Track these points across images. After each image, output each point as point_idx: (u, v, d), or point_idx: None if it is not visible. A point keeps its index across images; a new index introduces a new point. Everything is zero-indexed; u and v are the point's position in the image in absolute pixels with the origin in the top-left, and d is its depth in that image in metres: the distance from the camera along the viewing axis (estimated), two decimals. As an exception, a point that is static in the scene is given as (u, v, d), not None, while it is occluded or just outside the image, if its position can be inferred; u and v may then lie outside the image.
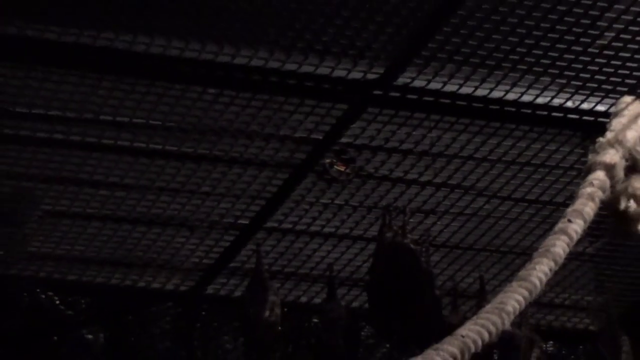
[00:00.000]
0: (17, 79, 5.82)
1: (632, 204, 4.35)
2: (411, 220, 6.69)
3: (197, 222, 6.73)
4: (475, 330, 3.19)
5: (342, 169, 6.58)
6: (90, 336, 6.93)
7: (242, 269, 6.94)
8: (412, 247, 6.48)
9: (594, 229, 6.85)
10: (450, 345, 3.05)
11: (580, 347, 7.75)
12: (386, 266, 6.53)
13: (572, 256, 6.81)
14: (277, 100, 5.96)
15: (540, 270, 3.63)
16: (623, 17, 5.62)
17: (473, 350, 3.20)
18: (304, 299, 7.25)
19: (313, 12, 5.40)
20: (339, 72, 5.75)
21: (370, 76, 5.79)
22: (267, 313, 6.64)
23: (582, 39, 5.67)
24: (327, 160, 6.52)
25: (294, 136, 6.28)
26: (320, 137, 6.27)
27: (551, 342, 7.62)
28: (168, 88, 5.86)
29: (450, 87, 5.87)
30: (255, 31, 5.53)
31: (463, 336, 3.14)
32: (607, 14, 5.58)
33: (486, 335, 3.25)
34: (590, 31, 5.64)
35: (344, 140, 6.35)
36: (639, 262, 7.28)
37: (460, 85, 5.86)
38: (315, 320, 7.04)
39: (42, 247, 6.77)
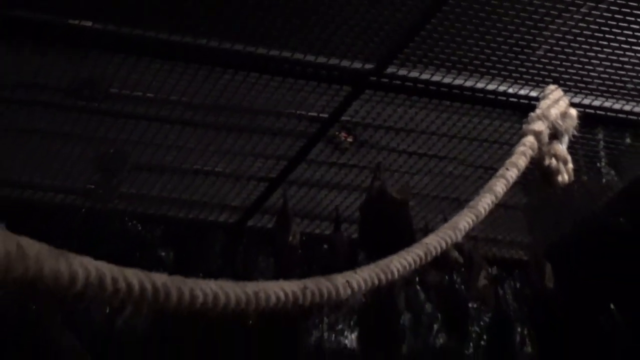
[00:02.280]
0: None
1: (553, 161, 4.38)
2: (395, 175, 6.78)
3: (242, 174, 6.76)
4: (436, 240, 3.19)
5: (345, 138, 6.61)
6: (163, 254, 6.91)
7: (273, 208, 6.92)
8: (393, 195, 6.53)
9: (525, 184, 6.92)
10: (417, 249, 3.06)
11: (516, 271, 7.70)
12: (374, 207, 6.57)
13: (510, 205, 6.87)
14: (299, 84, 5.94)
15: (484, 202, 3.64)
16: (550, 27, 5.64)
17: (434, 254, 3.20)
18: (317, 231, 7.23)
19: (326, 14, 5.39)
20: (345, 63, 5.71)
21: (367, 66, 5.77)
22: (290, 239, 6.68)
23: (520, 42, 5.67)
24: (335, 132, 6.56)
25: (310, 112, 6.31)
26: (329, 114, 6.29)
27: (495, 267, 7.56)
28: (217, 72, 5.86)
29: (425, 76, 5.84)
30: (285, 30, 5.49)
31: (427, 243, 3.14)
32: (540, 25, 5.59)
33: (443, 244, 3.25)
34: (527, 37, 5.64)
35: (346, 116, 6.36)
36: (558, 211, 7.26)
37: (432, 74, 5.83)
38: (325, 246, 7.03)
39: (130, 190, 6.76)
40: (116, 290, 1.72)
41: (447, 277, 7.25)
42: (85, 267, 1.65)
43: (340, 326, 7.27)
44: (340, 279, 2.53)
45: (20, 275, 1.51)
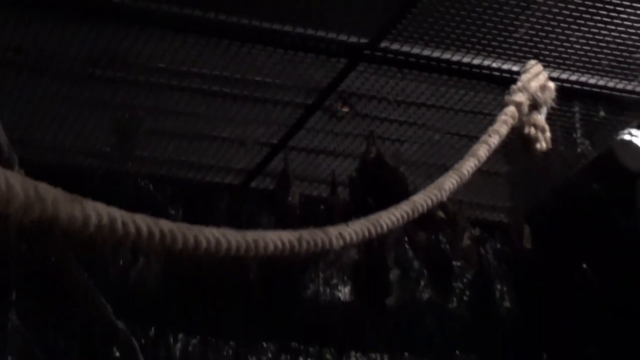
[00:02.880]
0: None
1: (532, 130, 4.40)
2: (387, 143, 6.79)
3: (246, 140, 6.77)
4: (423, 198, 3.20)
5: (341, 107, 6.61)
6: (172, 212, 6.92)
7: (274, 171, 6.93)
8: (384, 159, 6.56)
9: (507, 153, 6.93)
10: (405, 206, 3.06)
11: (497, 233, 7.70)
12: (369, 172, 6.59)
13: (492, 171, 6.86)
14: (299, 56, 5.93)
15: (468, 165, 3.65)
16: (532, 6, 5.63)
17: (420, 210, 3.20)
18: (315, 193, 7.23)
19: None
20: (342, 37, 5.70)
21: (362, 40, 5.75)
22: (290, 199, 6.70)
23: (504, 21, 5.67)
24: (332, 102, 6.57)
25: (309, 83, 6.29)
26: (326, 85, 6.27)
27: (477, 228, 7.57)
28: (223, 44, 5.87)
29: (416, 50, 5.84)
30: (287, 4, 5.49)
31: (414, 201, 3.14)
32: (522, 4, 5.59)
33: (429, 202, 3.25)
34: (510, 15, 5.64)
35: (342, 87, 6.35)
36: (537, 177, 7.26)
37: (423, 49, 5.82)
38: (322, 207, 7.04)
39: (143, 153, 6.77)
40: (126, 233, 1.73)
41: (433, 237, 7.26)
42: (98, 211, 1.66)
43: (334, 281, 7.28)
44: (333, 230, 2.54)
45: (38, 217, 1.52)
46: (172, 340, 6.74)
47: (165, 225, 1.84)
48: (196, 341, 6.80)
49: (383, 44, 5.76)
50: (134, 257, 6.79)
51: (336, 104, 6.57)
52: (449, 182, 3.57)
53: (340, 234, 2.54)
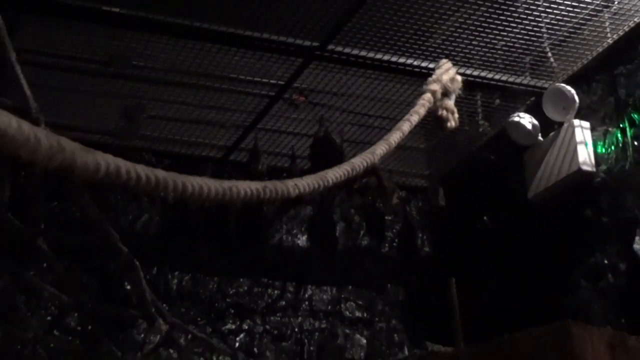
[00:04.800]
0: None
1: (444, 112, 4.43)
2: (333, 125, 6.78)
3: (225, 123, 6.75)
4: (359, 160, 3.19)
5: (299, 98, 6.59)
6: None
7: (247, 147, 6.90)
8: (331, 137, 6.56)
9: (425, 133, 6.94)
10: (345, 166, 3.05)
11: (418, 194, 7.72)
12: (319, 146, 6.59)
13: (414, 147, 6.85)
14: (265, 56, 5.89)
15: (394, 136, 3.65)
16: (444, 17, 5.64)
17: (358, 170, 3.21)
18: (279, 164, 7.21)
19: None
20: (298, 41, 5.67)
21: (314, 43, 5.72)
22: (259, 168, 6.69)
23: (424, 27, 5.67)
24: (292, 94, 6.55)
25: (272, 79, 6.27)
26: (285, 80, 6.24)
27: (404, 191, 7.58)
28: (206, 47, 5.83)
29: (356, 51, 5.82)
30: (255, 12, 5.43)
31: (352, 162, 3.13)
32: (437, 15, 5.59)
33: (364, 163, 3.25)
34: (428, 24, 5.64)
35: (298, 82, 6.32)
36: (448, 150, 7.28)
37: (360, 50, 5.82)
38: (284, 174, 7.01)
39: (146, 132, 6.73)
40: (129, 178, 1.72)
41: (370, 198, 7.28)
42: (107, 160, 1.65)
43: (295, 231, 7.27)
44: (290, 182, 2.54)
45: (59, 163, 1.50)
46: (169, 277, 6.71)
47: (160, 173, 1.84)
48: (188, 277, 6.77)
49: (330, 47, 5.73)
50: (139, 211, 6.77)
51: (294, 95, 6.55)
52: (379, 149, 3.58)
53: (296, 184, 2.54)
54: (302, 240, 7.26)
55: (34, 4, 5.17)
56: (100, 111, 6.42)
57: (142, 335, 6.14)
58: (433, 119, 4.47)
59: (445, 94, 4.45)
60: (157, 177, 1.79)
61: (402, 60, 5.94)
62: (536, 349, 3.44)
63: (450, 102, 4.46)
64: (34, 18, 5.41)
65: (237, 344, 6.76)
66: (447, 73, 4.50)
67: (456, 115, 4.50)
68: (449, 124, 4.48)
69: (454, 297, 5.38)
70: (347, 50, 5.77)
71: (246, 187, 2.22)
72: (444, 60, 4.61)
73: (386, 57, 5.92)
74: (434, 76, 4.42)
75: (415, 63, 5.95)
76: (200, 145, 6.98)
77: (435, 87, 4.38)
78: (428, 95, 4.33)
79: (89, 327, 5.74)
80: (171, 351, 6.14)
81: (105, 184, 1.65)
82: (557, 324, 3.44)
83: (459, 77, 4.51)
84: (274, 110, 6.60)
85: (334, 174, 2.85)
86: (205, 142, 6.96)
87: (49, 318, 6.02)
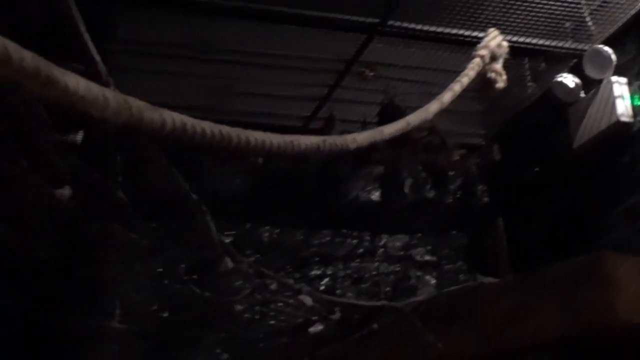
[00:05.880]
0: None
1: (493, 74, 4.25)
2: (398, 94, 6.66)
3: (303, 96, 6.66)
4: (413, 117, 3.08)
5: (367, 71, 6.49)
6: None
7: (324, 116, 6.84)
8: (395, 104, 6.44)
9: (479, 97, 6.79)
10: (401, 122, 2.95)
11: (475, 150, 7.58)
12: (385, 113, 6.47)
13: (472, 110, 6.71)
14: (335, 33, 5.80)
15: (446, 96, 3.52)
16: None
17: (412, 125, 3.10)
18: (352, 130, 7.12)
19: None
20: (362, 18, 5.58)
21: (375, 19, 5.63)
22: (332, 133, 6.62)
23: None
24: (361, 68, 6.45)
25: (342, 54, 6.16)
26: (353, 54, 6.10)
27: (463, 149, 7.47)
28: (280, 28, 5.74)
29: (416, 25, 5.73)
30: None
31: (407, 118, 3.03)
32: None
33: (418, 119, 3.15)
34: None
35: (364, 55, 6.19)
36: (500, 111, 7.15)
37: (418, 23, 5.70)
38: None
39: (232, 107, 6.69)
40: (194, 133, 1.65)
41: (434, 156, 7.19)
42: (172, 116, 1.58)
43: (369, 188, 7.21)
44: (349, 136, 2.45)
45: (127, 119, 1.44)
46: (260, 231, 6.72)
47: (224, 128, 1.76)
48: (277, 231, 6.77)
49: (390, 22, 5.60)
50: (231, 176, 6.74)
51: (364, 69, 6.44)
52: (432, 107, 3.46)
53: (354, 138, 2.45)
54: (375, 195, 7.19)
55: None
56: (192, 91, 6.39)
57: (235, 281, 6.14)
58: (483, 81, 4.34)
59: (494, 58, 4.31)
60: (220, 132, 1.71)
61: (455, 31, 5.80)
62: (573, 276, 3.33)
63: (498, 66, 4.32)
64: (133, 11, 5.40)
65: (322, 287, 6.75)
66: (494, 40, 4.35)
67: (504, 77, 4.36)
68: (497, 85, 4.35)
69: (502, 237, 5.29)
70: (405, 24, 5.64)
71: (307, 140, 2.14)
72: (491, 29, 4.46)
73: (440, 29, 5.78)
74: (482, 43, 4.29)
75: (467, 33, 5.79)
76: (284, 116, 6.91)
77: (483, 52, 4.24)
78: (477, 60, 4.19)
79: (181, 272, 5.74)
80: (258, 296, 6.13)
81: (172, 139, 1.58)
82: (593, 254, 3.32)
83: (505, 43, 4.37)
84: (344, 82, 6.47)
85: (389, 129, 2.75)
86: (287, 113, 6.90)
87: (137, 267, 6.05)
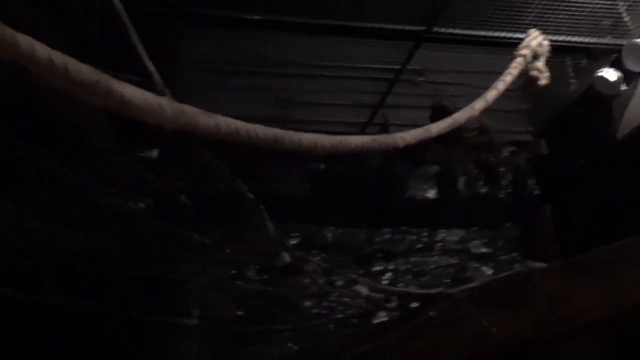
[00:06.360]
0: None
1: (535, 72, 4.18)
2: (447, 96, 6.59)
3: (359, 103, 6.63)
4: (459, 115, 3.04)
5: (419, 78, 6.45)
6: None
7: (377, 123, 6.77)
8: (445, 106, 6.36)
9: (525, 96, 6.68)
10: (448, 120, 2.91)
11: (524, 145, 7.48)
12: (436, 115, 6.39)
13: (519, 108, 6.61)
14: (380, 43, 5.77)
15: (490, 94, 3.47)
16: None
17: (459, 122, 3.06)
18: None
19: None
20: (409, 27, 5.53)
21: (421, 27, 5.58)
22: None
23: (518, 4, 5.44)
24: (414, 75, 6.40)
25: (391, 62, 6.11)
26: (402, 61, 6.05)
27: (513, 145, 7.38)
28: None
29: (458, 30, 5.66)
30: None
31: (453, 116, 2.99)
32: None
33: (464, 117, 3.10)
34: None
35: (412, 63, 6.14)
36: (545, 108, 7.03)
37: (462, 29, 5.65)
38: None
39: (294, 117, 6.67)
40: (248, 136, 1.64)
41: (484, 154, 7.11)
42: (226, 121, 1.58)
43: (425, 187, 7.15)
44: (397, 135, 2.42)
45: (182, 125, 1.44)
46: (324, 231, 6.71)
47: (276, 131, 1.75)
48: (340, 231, 6.76)
49: (435, 29, 5.54)
50: (296, 181, 6.74)
51: (415, 76, 6.40)
52: (477, 104, 3.41)
53: (402, 136, 2.42)
54: (431, 193, 7.13)
55: (195, 18, 5.20)
56: (256, 103, 6.42)
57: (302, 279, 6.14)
58: (526, 79, 4.27)
59: (535, 57, 4.24)
60: (274, 134, 1.70)
61: (497, 34, 5.71)
62: (617, 258, 3.24)
63: (540, 64, 4.26)
64: (196, 31, 5.45)
65: (384, 282, 6.71)
66: (535, 40, 4.28)
67: (546, 74, 4.29)
68: (540, 82, 4.27)
69: (552, 226, 5.20)
70: (450, 30, 5.58)
71: (356, 140, 2.12)
72: (532, 30, 4.39)
73: (483, 33, 5.70)
74: (523, 43, 4.22)
75: (509, 35, 5.70)
76: (341, 123, 6.89)
77: (525, 51, 4.18)
78: (519, 59, 4.13)
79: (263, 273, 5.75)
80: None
81: (227, 142, 1.57)
82: (636, 236, 3.24)
83: (545, 42, 4.29)
84: (395, 88, 6.41)
85: (437, 127, 2.72)
86: (344, 120, 6.87)
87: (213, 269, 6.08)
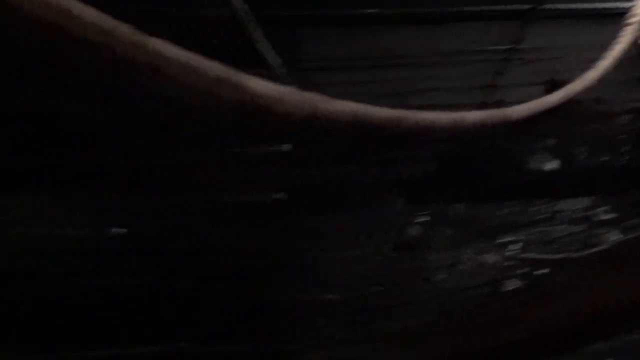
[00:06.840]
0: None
1: (645, 39, 4.00)
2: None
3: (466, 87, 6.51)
4: (572, 86, 2.94)
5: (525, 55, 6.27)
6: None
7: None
8: (556, 80, 6.15)
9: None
10: (561, 91, 2.82)
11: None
12: (549, 91, 6.20)
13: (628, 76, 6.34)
14: (493, 23, 5.64)
15: (603, 64, 3.34)
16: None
17: (574, 92, 2.95)
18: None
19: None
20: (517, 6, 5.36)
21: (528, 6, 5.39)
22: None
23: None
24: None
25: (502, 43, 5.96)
26: (512, 39, 5.90)
27: (632, 113, 7.05)
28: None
29: (564, 5, 5.48)
30: None
31: (567, 87, 2.89)
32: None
33: (578, 86, 2.99)
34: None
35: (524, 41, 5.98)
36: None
37: (569, 3, 5.45)
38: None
39: (413, 102, 6.63)
40: (365, 118, 1.65)
41: (603, 123, 6.82)
42: (346, 105, 1.59)
43: (545, 158, 6.94)
44: (510, 109, 2.37)
45: (306, 112, 1.46)
46: (452, 208, 6.62)
47: (393, 111, 1.75)
48: (466, 206, 6.66)
49: (542, 6, 5.39)
50: (424, 163, 6.66)
51: (524, 54, 6.22)
52: (589, 75, 3.30)
53: (514, 110, 2.36)
54: (551, 164, 6.92)
55: (312, 19, 5.23)
56: (376, 95, 6.39)
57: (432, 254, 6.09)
58: (637, 47, 4.10)
59: (644, 24, 4.07)
60: (391, 115, 1.70)
61: (603, 5, 5.47)
62: None
63: (650, 31, 4.09)
64: (317, 30, 5.48)
65: (511, 252, 6.57)
66: (644, 9, 4.12)
67: (657, 40, 4.11)
68: (650, 50, 4.10)
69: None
70: (557, 6, 5.40)
71: (474, 115, 2.09)
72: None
73: (589, 6, 5.49)
74: (631, 12, 4.06)
75: (616, 5, 5.47)
76: (458, 106, 6.75)
77: (633, 19, 4.02)
78: (629, 29, 3.98)
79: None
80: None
81: (349, 126, 1.58)
82: None
83: (655, 11, 4.11)
84: (508, 68, 6.26)
85: (549, 99, 2.65)
86: (461, 103, 6.75)
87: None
